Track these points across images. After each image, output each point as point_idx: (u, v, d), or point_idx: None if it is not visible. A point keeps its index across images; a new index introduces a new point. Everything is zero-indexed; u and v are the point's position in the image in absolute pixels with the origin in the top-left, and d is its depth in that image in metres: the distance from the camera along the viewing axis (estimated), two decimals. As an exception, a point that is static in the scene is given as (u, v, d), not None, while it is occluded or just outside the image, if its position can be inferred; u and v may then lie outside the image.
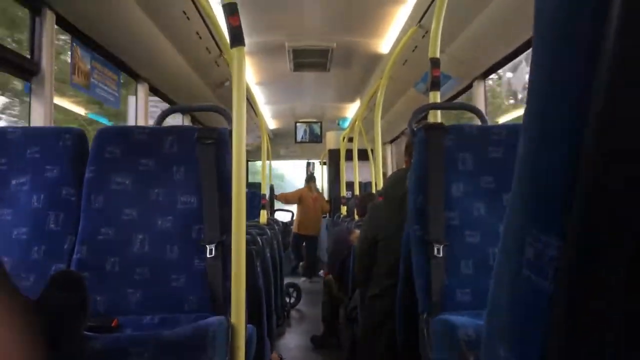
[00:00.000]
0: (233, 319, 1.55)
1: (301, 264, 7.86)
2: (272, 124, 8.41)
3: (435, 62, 2.25)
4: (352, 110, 7.49)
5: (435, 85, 2.25)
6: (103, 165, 1.76)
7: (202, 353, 1.36)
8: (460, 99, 4.25)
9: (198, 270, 1.67)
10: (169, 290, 1.66)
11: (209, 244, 1.66)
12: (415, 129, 1.86)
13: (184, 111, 4.71)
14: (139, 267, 1.68)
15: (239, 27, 1.60)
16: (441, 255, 1.64)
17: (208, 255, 1.66)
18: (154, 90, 4.14)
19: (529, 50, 3.10)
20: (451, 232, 1.68)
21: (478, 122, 2.09)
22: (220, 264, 1.65)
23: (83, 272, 1.63)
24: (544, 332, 0.36)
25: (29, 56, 2.47)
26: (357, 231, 3.32)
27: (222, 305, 1.61)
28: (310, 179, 7.94)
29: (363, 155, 6.05)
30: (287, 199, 7.92)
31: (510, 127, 1.79)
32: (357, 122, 5.38)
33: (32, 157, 1.79)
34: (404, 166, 2.52)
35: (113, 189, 1.74)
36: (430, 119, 2.35)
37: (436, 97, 2.27)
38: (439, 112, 2.33)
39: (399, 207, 2.15)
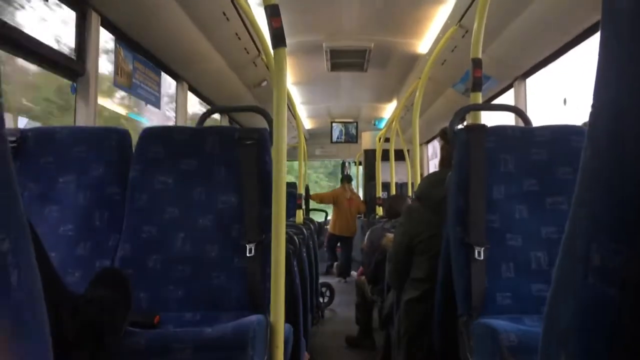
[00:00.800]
0: (272, 318, 1.56)
1: (335, 264, 7.86)
2: (307, 124, 8.43)
3: (477, 63, 2.22)
4: (388, 110, 7.45)
5: (477, 85, 2.22)
6: (147, 164, 1.80)
7: (243, 351, 1.38)
8: (498, 100, 4.19)
9: (238, 269, 1.69)
10: (209, 288, 1.68)
11: (248, 244, 1.68)
12: (456, 130, 1.84)
13: (225, 111, 4.76)
14: (180, 264, 1.71)
15: (281, 29, 1.60)
16: (482, 257, 1.62)
17: (248, 255, 1.67)
18: (193, 90, 4.20)
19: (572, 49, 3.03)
20: (492, 235, 1.65)
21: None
22: (260, 263, 1.66)
23: (126, 269, 1.66)
24: (610, 340, 0.35)
25: (74, 57, 2.54)
26: (389, 235, 3.29)
27: (262, 304, 1.63)
28: (345, 179, 7.94)
29: (399, 155, 6.01)
30: (322, 199, 7.94)
31: (554, 129, 1.75)
32: (393, 123, 5.35)
33: (78, 156, 1.84)
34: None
35: (156, 188, 1.78)
36: (470, 119, 2.32)
37: (477, 98, 2.24)
38: (480, 112, 2.29)
39: (437, 209, 2.12)
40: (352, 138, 8.58)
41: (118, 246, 1.74)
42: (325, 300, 5.68)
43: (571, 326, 0.40)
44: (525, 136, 1.75)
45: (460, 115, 2.00)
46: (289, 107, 5.12)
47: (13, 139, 1.80)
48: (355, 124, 8.50)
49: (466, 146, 1.72)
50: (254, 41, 3.82)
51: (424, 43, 4.43)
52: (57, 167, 1.82)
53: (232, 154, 1.79)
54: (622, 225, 0.35)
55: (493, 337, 1.37)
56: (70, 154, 1.83)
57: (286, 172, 1.66)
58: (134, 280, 1.63)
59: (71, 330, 1.08)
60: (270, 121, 1.81)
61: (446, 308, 1.83)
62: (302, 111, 7.44)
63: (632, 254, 0.34)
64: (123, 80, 3.04)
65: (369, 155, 7.83)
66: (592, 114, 0.39)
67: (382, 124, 7.70)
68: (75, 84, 2.57)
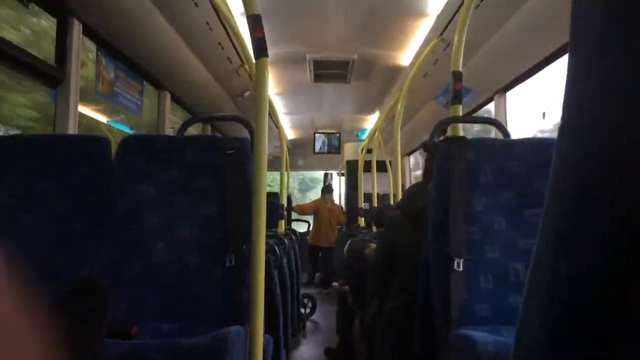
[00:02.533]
0: (251, 329, 1.55)
1: (317, 274, 7.84)
2: (290, 134, 8.44)
3: (457, 76, 2.25)
4: (370, 121, 7.49)
5: (457, 98, 2.24)
6: (126, 173, 1.78)
7: None
8: (479, 113, 4.24)
9: (217, 279, 1.68)
10: (188, 298, 1.67)
11: (228, 254, 1.67)
12: (436, 141, 1.86)
13: (206, 121, 4.74)
14: (159, 274, 1.69)
15: (263, 39, 1.61)
16: (461, 269, 1.63)
17: (227, 265, 1.67)
18: (175, 100, 4.19)
19: (552, 64, 3.08)
20: (471, 247, 1.66)
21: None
22: (240, 274, 1.66)
23: (104, 278, 1.64)
24: (580, 350, 0.36)
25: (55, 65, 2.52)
26: (372, 245, 3.30)
27: (241, 315, 1.62)
28: (326, 190, 7.94)
29: (381, 167, 6.04)
30: (303, 210, 7.94)
31: (533, 142, 1.77)
32: (376, 134, 5.38)
33: (56, 163, 1.82)
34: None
35: (135, 197, 1.76)
36: (450, 132, 2.34)
37: (458, 110, 2.26)
38: (460, 125, 2.32)
39: (418, 220, 2.14)
40: (334, 149, 8.59)
41: (96, 255, 1.72)
42: (307, 311, 5.66)
43: (541, 336, 0.41)
44: (504, 149, 1.77)
45: (440, 127, 2.02)
46: (271, 116, 5.13)
47: None
48: (338, 134, 8.52)
49: (447, 158, 1.73)
50: (237, 51, 3.82)
51: (406, 55, 4.47)
52: (34, 174, 1.80)
53: (213, 164, 1.79)
54: (588, 237, 0.36)
55: (471, 347, 1.38)
56: (48, 161, 1.81)
57: (267, 182, 1.66)
58: (112, 290, 1.61)
59: (47, 343, 1.06)
60: (251, 131, 1.81)
61: (427, 317, 1.83)
62: (285, 121, 7.44)
63: (599, 265, 0.34)
64: (104, 88, 3.01)
65: (352, 166, 7.86)
66: (560, 128, 0.40)
67: (365, 135, 7.73)
68: (55, 92, 2.54)
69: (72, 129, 2.52)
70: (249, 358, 1.53)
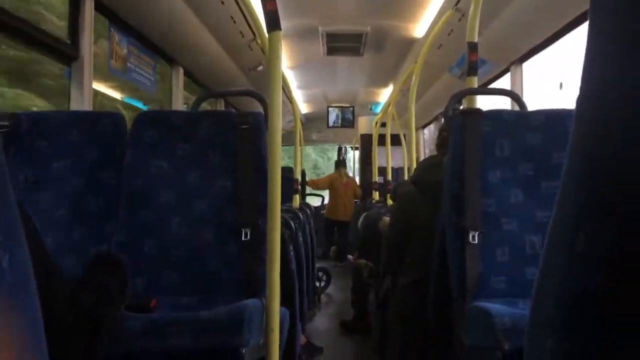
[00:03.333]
0: (267, 302, 1.57)
1: (332, 248, 7.88)
2: (304, 108, 8.41)
3: (473, 47, 2.21)
4: (384, 95, 7.43)
5: (472, 70, 2.21)
6: (141, 149, 1.79)
7: (238, 334, 1.39)
8: (495, 84, 4.18)
9: (233, 253, 1.69)
10: (205, 271, 1.69)
11: (244, 228, 1.68)
12: (452, 114, 1.84)
13: (220, 96, 4.73)
14: (176, 249, 1.71)
15: (276, 12, 1.59)
16: (476, 242, 1.63)
17: (243, 239, 1.68)
18: (188, 75, 4.18)
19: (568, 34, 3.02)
20: (487, 219, 1.66)
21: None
22: (255, 248, 1.67)
23: (122, 254, 1.67)
24: (595, 326, 0.36)
25: (69, 41, 2.52)
26: (386, 218, 3.30)
27: (257, 288, 1.64)
28: (340, 164, 7.93)
29: (396, 140, 6.01)
30: (317, 185, 7.95)
31: (549, 113, 1.75)
32: (390, 107, 5.34)
33: (72, 140, 1.83)
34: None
35: (151, 173, 1.78)
36: (466, 104, 2.31)
37: (473, 82, 2.23)
38: (476, 97, 2.29)
39: (433, 194, 2.13)
40: (348, 123, 8.55)
41: (113, 231, 1.75)
42: (322, 284, 5.71)
43: (556, 312, 0.41)
44: (520, 120, 1.75)
45: (455, 100, 2.00)
46: (284, 91, 5.10)
47: (6, 123, 1.79)
48: (351, 108, 8.47)
49: (462, 130, 1.72)
50: (249, 25, 3.79)
51: (420, 27, 4.40)
52: (51, 151, 1.81)
53: (227, 138, 1.79)
54: (606, 212, 0.35)
55: (487, 320, 1.38)
56: (64, 138, 1.83)
57: (281, 156, 1.66)
58: (130, 265, 1.64)
59: (68, 318, 1.09)
60: (265, 105, 1.81)
61: (441, 292, 1.84)
62: (298, 95, 7.41)
63: (616, 239, 0.34)
64: (117, 64, 3.01)
65: (366, 140, 7.82)
66: (578, 99, 0.39)
67: (379, 109, 7.68)
68: (69, 69, 2.55)
69: (87, 106, 2.53)
70: (266, 330, 1.55)
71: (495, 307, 1.43)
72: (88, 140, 1.84)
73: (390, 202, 4.34)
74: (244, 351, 1.40)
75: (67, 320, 1.08)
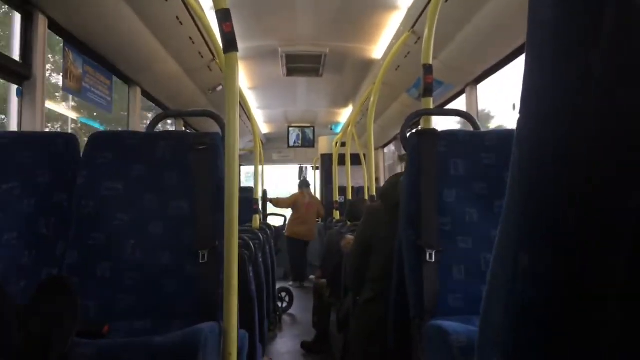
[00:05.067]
0: (225, 325, 1.54)
1: (294, 268, 7.83)
2: (264, 128, 8.40)
3: (428, 69, 2.26)
4: (344, 115, 7.50)
5: (428, 91, 2.25)
6: (95, 170, 1.76)
7: (194, 359, 1.36)
8: (453, 105, 4.28)
9: (190, 276, 1.66)
10: (161, 295, 1.65)
11: (201, 250, 1.66)
12: (407, 134, 1.87)
13: (176, 116, 4.69)
14: (131, 272, 1.67)
15: (232, 33, 1.59)
16: (433, 260, 1.64)
17: (200, 261, 1.65)
18: (146, 95, 4.13)
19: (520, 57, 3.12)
20: (444, 238, 1.68)
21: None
22: (213, 270, 1.64)
23: (74, 278, 1.62)
24: (539, 340, 0.36)
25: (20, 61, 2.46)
26: (348, 236, 3.31)
27: (214, 311, 1.61)
28: (303, 184, 7.94)
29: (356, 160, 6.06)
30: (279, 204, 7.91)
31: (501, 133, 1.80)
32: (349, 127, 5.39)
33: (22, 162, 1.78)
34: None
35: (104, 194, 1.74)
36: (423, 124, 2.35)
37: (429, 103, 2.28)
38: (432, 117, 2.33)
39: (396, 210, 2.15)
40: (309, 143, 8.58)
41: (65, 254, 1.69)
42: (284, 305, 5.67)
43: (503, 327, 0.41)
44: (474, 140, 1.79)
45: (411, 120, 2.03)
46: (244, 111, 5.09)
47: None
48: (312, 128, 8.51)
49: (418, 150, 1.75)
50: (208, 45, 3.78)
51: (378, 49, 4.48)
52: (0, 173, 1.76)
53: (183, 159, 1.77)
54: (547, 230, 0.36)
55: (444, 338, 1.39)
56: (14, 159, 1.78)
57: (240, 177, 1.64)
58: (82, 289, 1.59)
59: (17, 343, 1.05)
60: (222, 126, 1.80)
61: (400, 309, 1.85)
62: (259, 116, 7.41)
63: (557, 257, 0.35)
64: (72, 84, 2.96)
65: (326, 159, 7.86)
66: (518, 121, 0.40)
67: (339, 129, 7.74)
68: (21, 88, 2.48)
69: (39, 126, 2.47)
70: (224, 354, 1.52)
71: (452, 325, 1.44)
72: (39, 162, 1.79)
73: (348, 222, 4.35)
74: None
75: (16, 346, 1.04)
